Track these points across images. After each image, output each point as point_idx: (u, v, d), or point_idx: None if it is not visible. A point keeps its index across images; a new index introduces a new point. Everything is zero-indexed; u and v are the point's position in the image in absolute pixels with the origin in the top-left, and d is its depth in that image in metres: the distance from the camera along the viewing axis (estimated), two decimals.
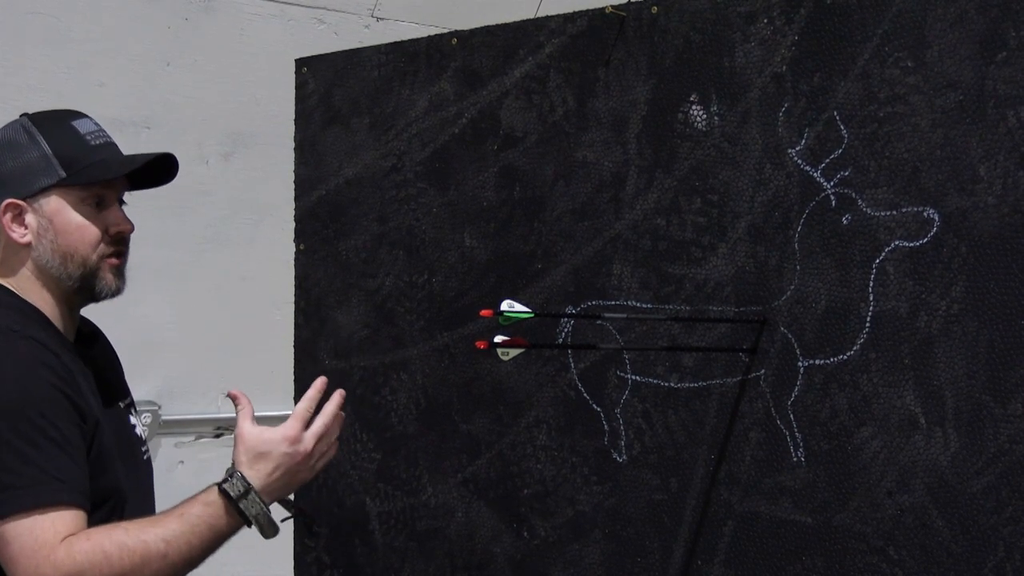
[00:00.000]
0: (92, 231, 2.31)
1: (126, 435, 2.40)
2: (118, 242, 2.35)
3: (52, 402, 2.17)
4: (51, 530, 2.11)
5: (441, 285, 2.90)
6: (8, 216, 2.30)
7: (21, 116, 2.36)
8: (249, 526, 2.22)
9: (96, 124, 2.37)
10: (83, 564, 2.10)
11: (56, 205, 2.30)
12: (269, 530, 2.24)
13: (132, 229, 2.37)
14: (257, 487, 2.22)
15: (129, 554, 2.13)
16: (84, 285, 2.32)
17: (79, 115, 2.37)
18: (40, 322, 2.29)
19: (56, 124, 2.33)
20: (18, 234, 2.30)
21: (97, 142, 2.34)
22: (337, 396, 2.34)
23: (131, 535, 2.15)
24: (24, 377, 2.17)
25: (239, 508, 2.21)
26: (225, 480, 2.23)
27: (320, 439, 2.29)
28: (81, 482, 2.17)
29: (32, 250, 2.31)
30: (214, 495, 2.21)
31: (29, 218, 2.30)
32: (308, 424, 2.29)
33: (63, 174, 2.29)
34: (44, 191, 2.29)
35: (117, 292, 2.36)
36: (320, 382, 2.35)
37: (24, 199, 2.29)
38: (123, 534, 2.15)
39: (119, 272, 2.36)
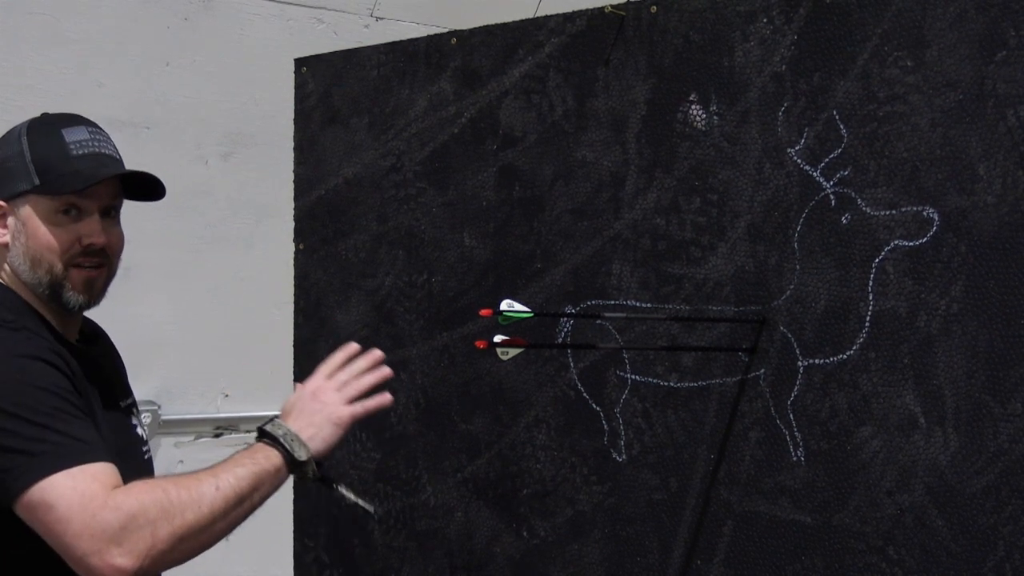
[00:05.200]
0: (58, 240, 2.30)
1: (126, 435, 2.40)
2: (91, 254, 2.33)
3: (54, 378, 2.17)
4: (93, 482, 2.09)
5: (440, 285, 2.90)
6: None
7: (41, 115, 2.38)
8: (285, 452, 2.22)
9: (89, 133, 2.35)
10: (146, 501, 2.09)
11: (28, 211, 2.31)
12: (300, 449, 2.23)
13: (104, 242, 2.33)
14: (283, 421, 2.28)
15: (186, 489, 2.13)
16: (52, 293, 2.31)
17: (77, 122, 2.36)
18: (32, 316, 2.29)
19: (45, 129, 2.34)
20: None
21: (80, 152, 2.32)
22: (369, 355, 2.35)
23: (182, 476, 2.17)
24: (23, 359, 2.17)
25: (266, 431, 2.25)
26: None
27: (337, 383, 2.30)
28: (101, 443, 2.17)
29: (9, 251, 2.32)
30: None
31: (10, 220, 2.32)
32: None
33: (37, 181, 2.30)
34: (21, 196, 2.31)
35: (86, 305, 2.33)
36: (351, 347, 2.36)
37: (6, 201, 2.31)
38: (175, 476, 2.17)
39: (88, 285, 2.33)
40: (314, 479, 2.29)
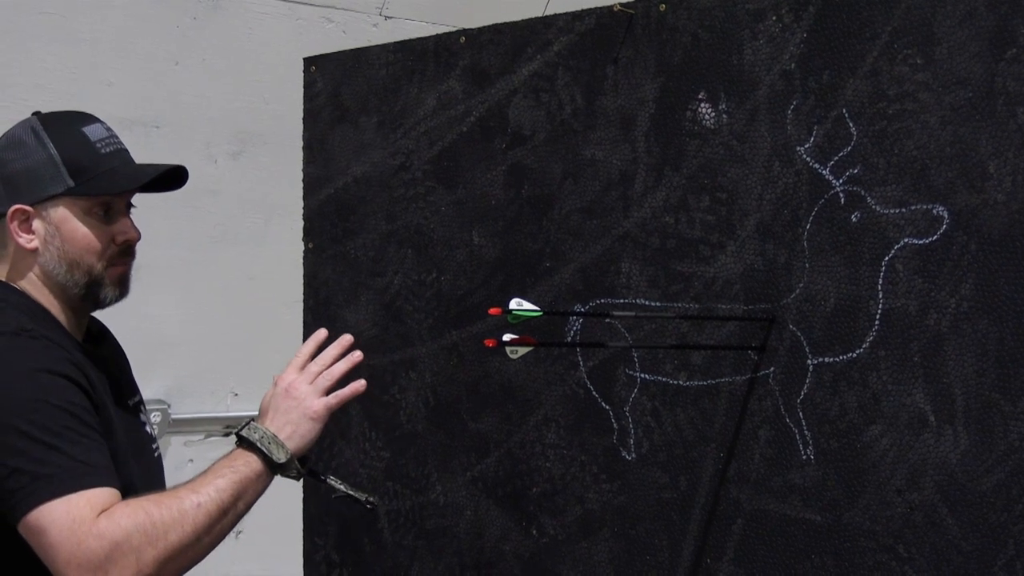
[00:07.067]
0: (98, 241, 2.31)
1: (136, 433, 2.40)
2: (125, 251, 2.35)
3: (69, 394, 2.18)
4: (87, 507, 2.10)
5: (449, 283, 2.91)
6: (15, 222, 2.30)
7: (32, 115, 2.35)
8: (263, 456, 2.22)
9: (107, 130, 2.36)
10: (128, 527, 2.09)
11: (63, 214, 2.29)
12: (278, 451, 2.22)
13: (139, 238, 2.36)
14: (261, 424, 2.26)
15: (167, 509, 2.13)
16: (89, 292, 2.33)
17: (91, 120, 2.36)
18: (50, 322, 2.30)
19: (66, 129, 2.32)
20: (25, 240, 2.30)
21: (107, 150, 2.32)
22: (339, 342, 2.34)
23: (164, 495, 2.18)
24: (39, 374, 2.17)
25: (243, 436, 2.24)
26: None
27: (309, 376, 2.30)
28: (108, 465, 2.17)
29: (39, 256, 2.31)
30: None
31: (36, 224, 2.30)
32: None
33: (71, 183, 2.28)
34: (52, 199, 2.29)
35: (119, 299, 2.38)
36: (319, 334, 2.36)
37: (32, 205, 2.29)
38: (157, 495, 2.17)
39: (122, 280, 2.36)
40: (300, 476, 2.28)
